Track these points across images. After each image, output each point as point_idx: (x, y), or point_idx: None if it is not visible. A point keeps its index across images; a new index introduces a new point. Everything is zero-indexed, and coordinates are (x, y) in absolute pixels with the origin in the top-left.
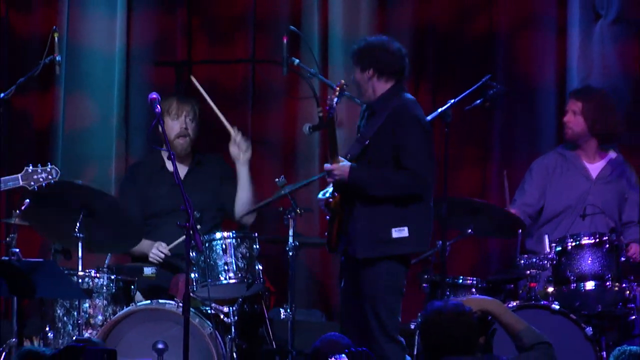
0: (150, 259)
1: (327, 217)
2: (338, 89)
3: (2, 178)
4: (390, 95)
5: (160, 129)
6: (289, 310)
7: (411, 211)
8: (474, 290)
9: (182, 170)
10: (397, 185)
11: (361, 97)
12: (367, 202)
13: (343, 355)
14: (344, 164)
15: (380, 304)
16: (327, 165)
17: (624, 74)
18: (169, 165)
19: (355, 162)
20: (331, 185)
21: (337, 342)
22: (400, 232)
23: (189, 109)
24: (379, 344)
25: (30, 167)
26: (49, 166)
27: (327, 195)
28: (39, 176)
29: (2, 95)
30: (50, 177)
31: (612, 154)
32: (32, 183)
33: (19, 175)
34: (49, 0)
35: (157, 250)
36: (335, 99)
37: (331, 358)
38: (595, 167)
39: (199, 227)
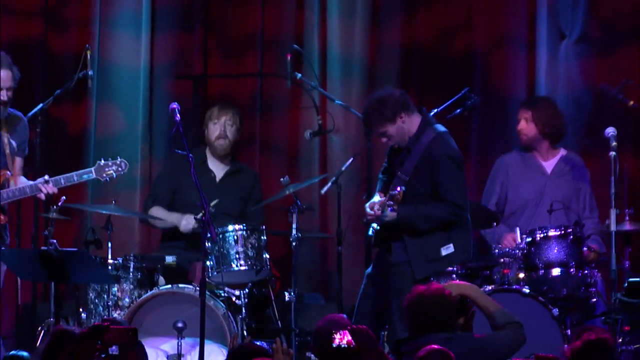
0: (182, 230)
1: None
2: (391, 200)
3: (76, 172)
4: (422, 128)
5: (180, 134)
6: (292, 294)
7: (454, 230)
8: (454, 276)
9: (222, 170)
10: (438, 219)
11: (403, 144)
12: (414, 233)
13: (346, 331)
14: (391, 212)
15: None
16: (377, 207)
17: (586, 87)
18: (210, 163)
19: (401, 199)
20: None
21: (338, 321)
22: (447, 250)
23: (230, 115)
24: (397, 331)
25: (102, 161)
26: (119, 159)
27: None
28: (110, 169)
29: (41, 105)
30: (120, 169)
31: (563, 152)
32: (104, 175)
33: (92, 168)
34: (83, 22)
35: (187, 221)
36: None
37: (335, 333)
38: (549, 164)
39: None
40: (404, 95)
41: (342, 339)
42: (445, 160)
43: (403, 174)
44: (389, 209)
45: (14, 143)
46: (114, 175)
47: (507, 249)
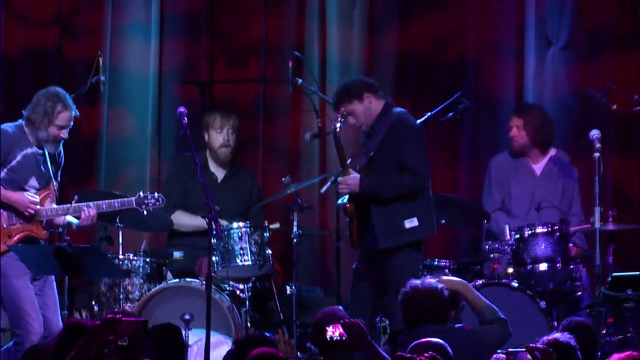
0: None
1: (347, 219)
2: (340, 116)
3: (118, 199)
4: (384, 112)
5: (188, 138)
6: (293, 287)
7: (417, 203)
8: (446, 270)
9: (221, 173)
10: (402, 184)
11: (367, 125)
12: (379, 203)
13: (338, 325)
14: (354, 176)
15: (401, 286)
16: (340, 179)
17: (571, 92)
18: (211, 166)
19: (363, 171)
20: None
21: (335, 314)
22: (411, 223)
23: (231, 123)
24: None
25: (142, 193)
26: (156, 194)
27: (345, 201)
28: (149, 201)
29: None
30: (157, 203)
31: (552, 151)
32: (143, 207)
33: (133, 198)
34: (95, 30)
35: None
36: (339, 124)
37: (328, 327)
38: (538, 166)
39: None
40: (371, 80)
41: (334, 332)
42: (408, 133)
43: (368, 149)
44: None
45: (52, 169)
46: (151, 209)
47: (497, 245)
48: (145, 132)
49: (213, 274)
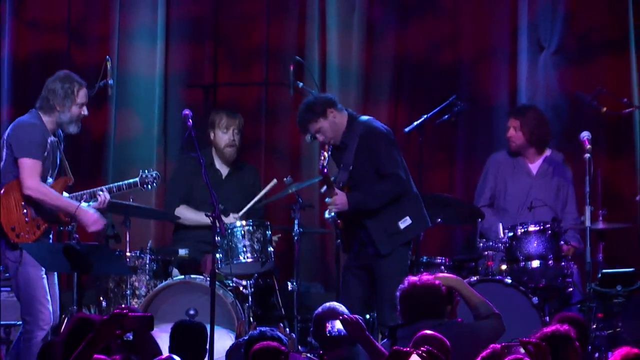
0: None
1: (337, 230)
2: (325, 153)
3: (124, 182)
4: (350, 123)
5: (193, 139)
6: (294, 284)
7: (405, 203)
8: (442, 267)
9: (226, 169)
10: (386, 193)
11: (337, 140)
12: (369, 213)
13: (337, 320)
14: (341, 195)
15: (394, 283)
16: (328, 200)
17: (563, 94)
18: (216, 163)
19: (347, 187)
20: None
21: (335, 310)
22: (405, 222)
23: (237, 124)
24: (386, 312)
25: (142, 173)
26: (154, 172)
27: (333, 215)
28: (149, 180)
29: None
30: (156, 180)
31: (548, 152)
32: (146, 185)
33: (137, 179)
34: (103, 35)
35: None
36: (325, 161)
37: (327, 322)
38: (535, 166)
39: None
40: (329, 95)
41: (333, 327)
42: (379, 140)
43: (346, 164)
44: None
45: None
46: (155, 186)
47: (491, 243)
48: (151, 133)
49: (217, 270)
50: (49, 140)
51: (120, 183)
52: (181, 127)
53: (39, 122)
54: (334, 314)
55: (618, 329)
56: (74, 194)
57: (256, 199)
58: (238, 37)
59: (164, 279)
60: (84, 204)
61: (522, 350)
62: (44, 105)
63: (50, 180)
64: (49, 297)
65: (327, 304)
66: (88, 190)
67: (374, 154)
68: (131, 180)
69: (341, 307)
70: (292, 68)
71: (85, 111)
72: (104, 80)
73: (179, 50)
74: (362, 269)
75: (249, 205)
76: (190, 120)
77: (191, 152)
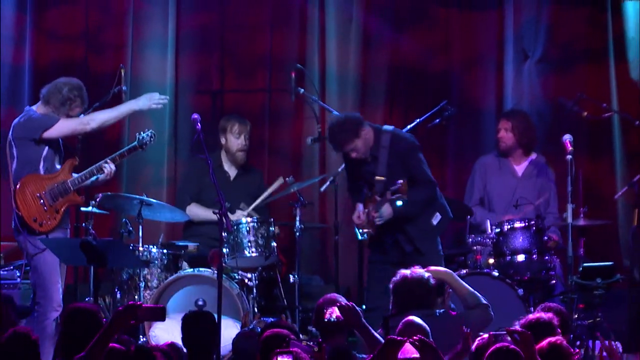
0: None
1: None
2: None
3: (125, 148)
4: (377, 136)
5: (201, 141)
6: (296, 276)
7: (434, 201)
8: None
9: (234, 172)
10: (424, 200)
11: (367, 154)
12: (407, 218)
13: (335, 308)
14: (386, 207)
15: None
16: (374, 212)
17: (546, 100)
18: (225, 165)
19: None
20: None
21: (335, 299)
22: (436, 219)
23: (247, 129)
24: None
25: (139, 135)
26: (150, 131)
27: (365, 237)
28: (146, 139)
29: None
30: (153, 138)
31: (533, 155)
32: (145, 146)
33: (135, 142)
34: (117, 45)
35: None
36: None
37: (326, 310)
38: (520, 167)
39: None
40: (356, 114)
41: (331, 314)
42: (409, 150)
43: (381, 176)
44: (395, 202)
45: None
46: (152, 143)
47: (480, 238)
48: (162, 136)
49: (224, 264)
50: None
51: (122, 150)
52: (190, 131)
53: (38, 113)
54: (333, 303)
55: (598, 319)
56: (85, 172)
57: (263, 196)
58: (243, 47)
59: (175, 271)
60: (92, 178)
61: (508, 339)
62: (47, 97)
63: (57, 166)
64: (60, 281)
65: (328, 295)
66: (95, 165)
67: (407, 164)
68: (130, 145)
69: (341, 298)
70: (293, 75)
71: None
72: (118, 86)
73: (188, 59)
74: (391, 264)
75: (257, 202)
76: (199, 124)
77: (199, 154)
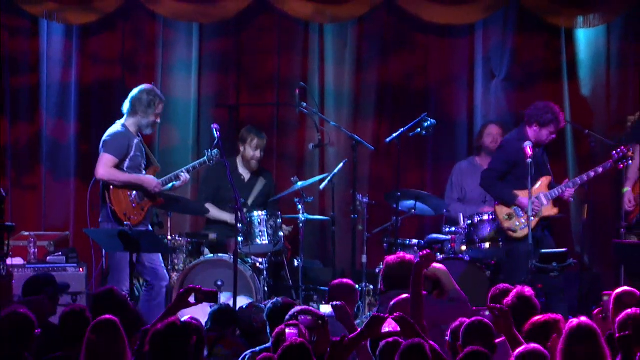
0: (229, 222)
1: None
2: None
3: (197, 162)
4: None
5: (220, 147)
6: (300, 261)
7: None
8: (416, 248)
9: (248, 174)
10: None
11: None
12: None
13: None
14: None
15: None
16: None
17: (510, 113)
18: (240, 169)
19: None
20: None
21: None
22: None
23: (263, 145)
24: None
25: (208, 151)
26: (215, 150)
27: None
28: (213, 157)
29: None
30: (217, 156)
31: None
32: (211, 161)
33: (205, 158)
34: (149, 66)
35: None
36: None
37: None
38: None
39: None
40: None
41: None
42: None
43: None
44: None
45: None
46: (218, 159)
47: (455, 228)
48: (187, 143)
49: (239, 250)
50: (134, 142)
51: (195, 163)
52: (211, 139)
53: (123, 130)
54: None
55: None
56: (167, 177)
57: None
58: (255, 68)
59: (198, 257)
60: (169, 185)
61: (487, 314)
62: (129, 110)
63: (143, 171)
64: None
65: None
66: (172, 174)
67: None
68: (201, 160)
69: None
70: (297, 92)
71: (159, 119)
72: None
73: (209, 78)
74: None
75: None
76: (218, 132)
77: (218, 158)
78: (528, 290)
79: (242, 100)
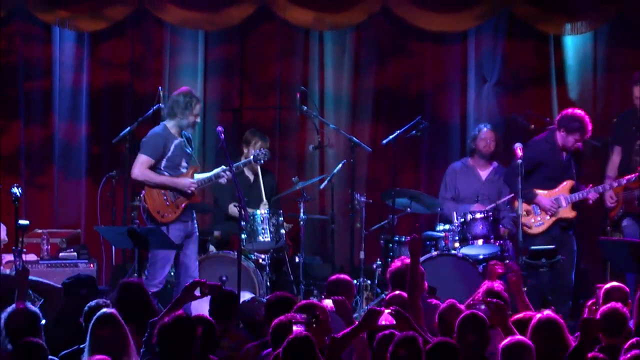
0: (231, 213)
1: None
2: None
3: (242, 161)
4: None
5: (224, 149)
6: (301, 257)
7: None
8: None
9: (252, 175)
10: None
11: None
12: None
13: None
14: None
15: None
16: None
17: (501, 116)
18: (245, 171)
19: None
20: None
21: (343, 280)
22: None
23: (267, 146)
24: None
25: (256, 151)
26: (264, 149)
27: None
28: (261, 156)
29: (129, 129)
30: (265, 156)
31: (495, 164)
32: (260, 160)
33: (252, 157)
34: (157, 71)
35: (232, 209)
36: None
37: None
38: (484, 173)
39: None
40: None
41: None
42: None
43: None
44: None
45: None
46: (266, 159)
47: (448, 225)
48: (194, 145)
49: (242, 247)
50: (172, 142)
51: (239, 162)
52: (216, 140)
53: (164, 130)
54: (343, 284)
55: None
56: (207, 177)
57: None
58: (258, 73)
59: (203, 253)
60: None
61: (483, 307)
62: (169, 112)
63: (183, 170)
64: (166, 266)
65: (335, 276)
66: (214, 173)
67: None
68: (247, 160)
69: (349, 279)
70: (298, 96)
71: (198, 119)
72: (157, 104)
73: (214, 83)
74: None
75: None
76: (223, 135)
77: (223, 159)
78: (497, 285)
79: (245, 104)
